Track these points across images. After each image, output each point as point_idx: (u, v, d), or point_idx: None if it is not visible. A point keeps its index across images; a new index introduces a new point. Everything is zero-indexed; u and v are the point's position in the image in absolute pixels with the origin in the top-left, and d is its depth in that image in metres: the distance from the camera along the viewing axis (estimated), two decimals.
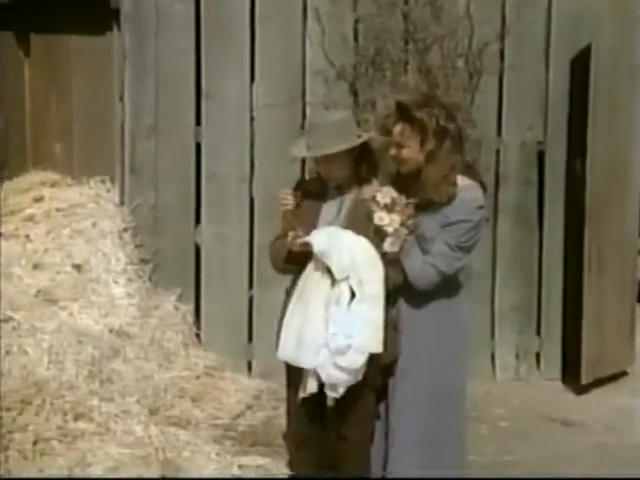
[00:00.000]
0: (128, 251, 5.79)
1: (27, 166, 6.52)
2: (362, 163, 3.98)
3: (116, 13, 6.17)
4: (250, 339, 6.21)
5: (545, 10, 6.37)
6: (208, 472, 4.57)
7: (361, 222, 3.90)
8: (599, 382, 6.42)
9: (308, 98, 6.06)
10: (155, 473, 4.32)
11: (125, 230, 5.87)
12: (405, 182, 3.95)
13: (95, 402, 4.37)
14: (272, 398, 5.67)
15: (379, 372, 4.02)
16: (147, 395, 4.83)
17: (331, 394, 3.89)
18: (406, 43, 5.65)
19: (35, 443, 4.07)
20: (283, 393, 5.71)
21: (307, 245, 3.84)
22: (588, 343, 6.30)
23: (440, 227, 3.90)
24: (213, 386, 5.49)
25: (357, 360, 3.84)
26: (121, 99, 6.15)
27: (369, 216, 3.86)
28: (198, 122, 6.12)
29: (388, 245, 3.85)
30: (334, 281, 3.85)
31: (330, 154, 3.88)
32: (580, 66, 6.30)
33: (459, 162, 3.94)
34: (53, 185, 6.15)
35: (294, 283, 4.02)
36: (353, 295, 3.85)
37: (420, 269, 3.91)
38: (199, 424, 5.06)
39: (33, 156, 6.57)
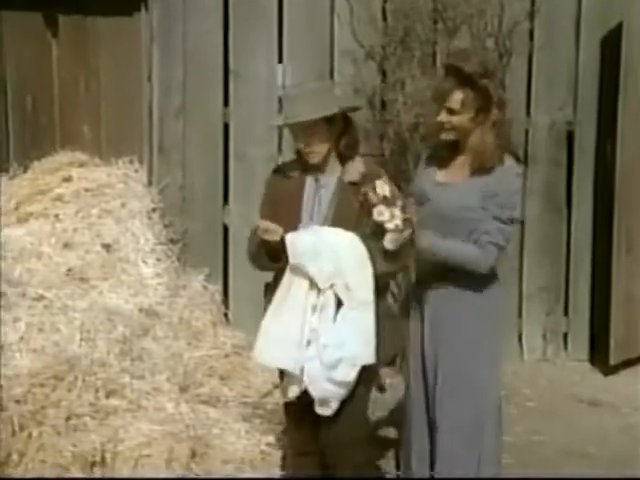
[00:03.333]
0: (157, 231, 5.86)
1: (55, 147, 6.59)
2: (343, 138, 3.70)
3: None
4: None
5: None
6: (237, 449, 4.65)
7: (347, 208, 3.64)
8: (627, 363, 6.45)
9: (336, 78, 6.11)
10: (185, 449, 4.40)
11: (154, 210, 5.95)
12: (442, 152, 3.79)
13: (126, 379, 4.46)
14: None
15: (376, 374, 3.83)
16: (177, 373, 4.91)
17: (323, 411, 3.66)
18: (435, 23, 5.67)
19: (68, 419, 4.16)
20: None
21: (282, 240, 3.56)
22: (617, 324, 6.34)
23: (481, 198, 3.68)
24: (241, 365, 5.56)
25: (349, 373, 3.61)
26: (149, 80, 6.23)
27: (362, 204, 3.59)
28: (226, 102, 6.17)
29: (388, 242, 3.58)
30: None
31: (308, 125, 3.61)
32: (611, 46, 6.30)
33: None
34: (81, 165, 6.22)
35: (276, 279, 3.72)
36: (340, 302, 3.61)
37: (479, 252, 3.67)
38: (228, 402, 5.14)
39: (61, 137, 6.63)
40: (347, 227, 3.63)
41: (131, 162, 6.36)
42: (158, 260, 5.71)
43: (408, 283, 4.08)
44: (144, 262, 5.66)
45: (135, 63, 6.38)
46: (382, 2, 6.02)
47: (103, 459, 3.99)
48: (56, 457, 3.96)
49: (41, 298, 4.75)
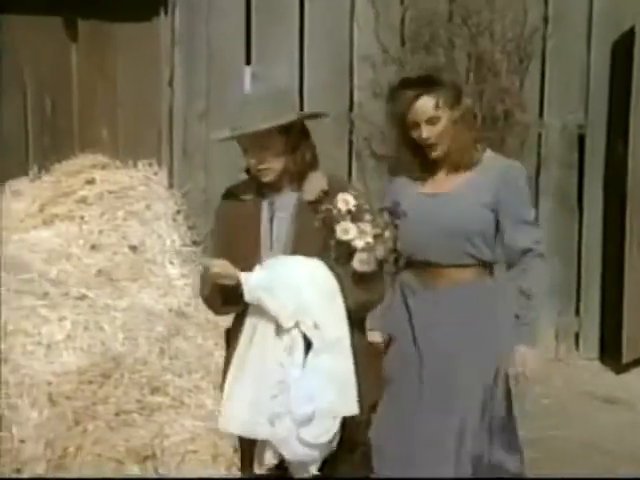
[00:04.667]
0: (181, 233, 6.02)
1: (74, 150, 6.74)
2: (300, 152, 3.23)
3: None
4: None
5: None
6: None
7: (309, 232, 3.16)
8: (639, 361, 6.67)
9: (356, 82, 6.30)
10: (228, 445, 4.56)
11: (178, 212, 6.11)
12: (432, 168, 3.50)
13: (168, 377, 4.62)
14: None
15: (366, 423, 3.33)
16: (210, 371, 5.07)
17: (300, 475, 3.16)
18: (458, 28, 5.87)
19: (117, 415, 4.33)
20: None
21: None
22: (629, 323, 6.56)
23: (483, 200, 3.43)
24: None
25: (329, 428, 3.09)
26: (170, 84, 6.39)
27: (324, 223, 3.14)
28: None
29: (359, 263, 3.12)
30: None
31: (261, 136, 3.15)
32: (622, 49, 6.53)
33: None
34: (103, 168, 6.37)
35: (236, 324, 3.26)
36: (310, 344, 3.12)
37: (544, 274, 3.57)
38: None
39: (80, 140, 6.78)
40: (310, 253, 3.16)
41: (150, 165, 6.52)
42: (184, 262, 5.86)
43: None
44: (171, 263, 5.81)
45: (153, 67, 6.55)
46: (403, 8, 6.21)
47: (154, 454, 4.15)
48: (111, 451, 4.12)
49: (84, 297, 4.91)
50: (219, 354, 5.28)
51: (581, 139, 6.79)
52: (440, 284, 3.49)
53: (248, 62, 6.32)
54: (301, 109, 6.33)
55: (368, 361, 3.24)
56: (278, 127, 3.18)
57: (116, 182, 6.29)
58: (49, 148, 6.70)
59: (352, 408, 3.13)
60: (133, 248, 5.86)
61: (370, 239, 3.12)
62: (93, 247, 5.76)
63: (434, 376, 3.46)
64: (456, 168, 3.46)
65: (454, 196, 3.47)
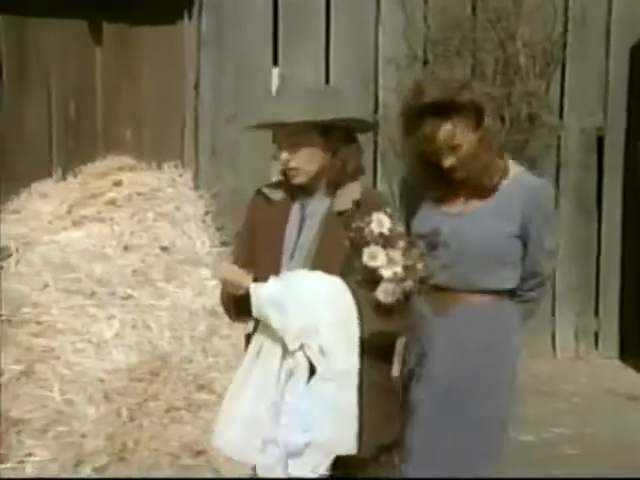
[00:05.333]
0: (211, 234, 6.14)
1: (98, 151, 6.85)
2: (338, 157, 2.95)
3: (189, 2, 6.53)
4: None
5: None
6: None
7: (334, 246, 2.89)
8: None
9: (381, 84, 6.45)
10: None
11: (206, 213, 6.23)
12: (455, 189, 3.26)
13: (213, 375, 4.74)
14: None
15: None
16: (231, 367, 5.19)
17: None
18: (486, 32, 6.03)
19: (167, 411, 4.45)
20: None
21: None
22: None
23: (510, 220, 3.19)
24: None
25: (319, 464, 2.83)
26: (196, 87, 6.51)
27: (352, 243, 2.85)
28: None
29: (382, 294, 2.84)
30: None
31: (296, 131, 2.90)
32: None
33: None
34: (130, 170, 6.48)
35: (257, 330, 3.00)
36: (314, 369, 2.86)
37: (538, 298, 3.36)
38: None
39: (103, 142, 6.90)
40: (332, 271, 2.88)
41: (176, 166, 6.64)
42: (214, 262, 5.98)
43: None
44: (202, 264, 5.93)
45: (177, 70, 6.67)
46: (426, 11, 6.36)
47: (205, 449, 4.27)
48: (167, 446, 4.24)
49: (129, 297, 5.02)
50: None
51: (600, 141, 6.95)
52: (453, 310, 3.23)
53: (275, 65, 6.44)
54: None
55: (380, 398, 2.91)
56: (316, 125, 2.89)
57: (144, 184, 6.40)
58: (73, 150, 6.80)
59: (350, 447, 2.83)
60: (164, 249, 5.97)
61: (399, 269, 2.84)
62: (126, 248, 5.87)
63: (446, 408, 3.21)
64: (479, 189, 3.21)
65: (479, 218, 3.21)
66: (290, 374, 2.84)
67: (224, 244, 6.27)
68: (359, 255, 2.83)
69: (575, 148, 6.92)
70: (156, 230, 6.07)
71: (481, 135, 3.13)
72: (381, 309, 2.84)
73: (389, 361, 3.02)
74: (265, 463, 2.85)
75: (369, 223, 2.84)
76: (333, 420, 2.81)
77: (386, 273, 2.83)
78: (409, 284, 2.85)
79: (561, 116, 6.85)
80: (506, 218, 3.20)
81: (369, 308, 2.85)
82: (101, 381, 4.46)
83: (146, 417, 4.35)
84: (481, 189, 3.20)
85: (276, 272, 2.91)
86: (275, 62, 6.46)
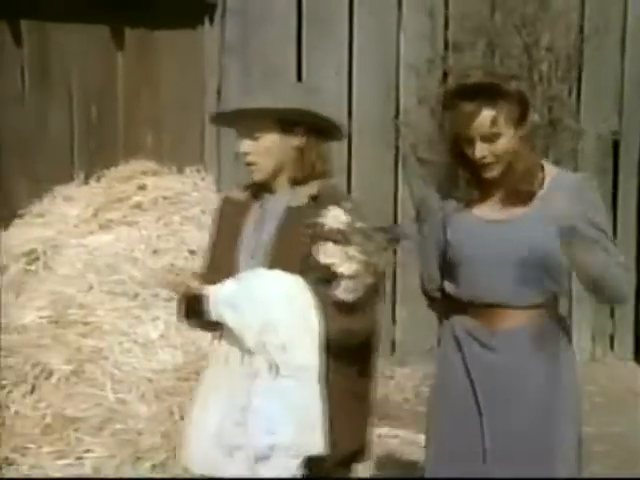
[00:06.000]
0: None
1: (118, 155, 7.00)
2: (302, 155, 2.88)
3: (210, 7, 6.70)
4: None
5: (622, 1, 6.98)
6: None
7: (292, 244, 2.83)
8: None
9: (402, 90, 6.63)
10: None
11: None
12: (489, 189, 3.05)
13: None
14: (379, 376, 6.22)
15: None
16: None
17: None
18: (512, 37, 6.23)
19: None
20: (388, 371, 6.34)
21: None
22: None
23: (560, 224, 2.94)
24: None
25: (289, 466, 2.76)
26: (219, 92, 6.68)
27: (311, 239, 2.78)
28: None
29: (341, 291, 2.77)
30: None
31: (255, 124, 2.83)
32: None
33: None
34: (154, 174, 6.62)
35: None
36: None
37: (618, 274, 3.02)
38: None
39: (124, 146, 7.05)
40: (291, 269, 2.82)
41: (198, 171, 6.79)
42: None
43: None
44: None
45: (197, 75, 6.83)
46: (447, 16, 6.57)
47: None
48: None
49: (171, 299, 5.16)
50: None
51: (615, 145, 7.16)
52: (501, 327, 3.02)
53: (299, 70, 6.61)
54: (349, 116, 6.71)
55: (343, 403, 2.82)
56: (277, 117, 2.80)
57: (168, 188, 6.55)
58: (94, 153, 6.95)
59: (317, 447, 2.74)
60: (192, 253, 6.12)
61: (357, 266, 2.76)
62: (155, 252, 6.01)
63: (498, 429, 3.01)
64: (519, 194, 2.99)
65: (524, 224, 3.00)
66: (254, 376, 2.78)
67: None
68: (315, 252, 2.77)
69: (591, 152, 7.12)
70: (183, 234, 6.21)
71: (524, 132, 2.97)
72: (342, 307, 2.76)
73: (359, 364, 2.89)
74: (233, 471, 2.77)
75: (325, 218, 2.77)
76: (295, 420, 2.74)
77: (344, 270, 2.76)
78: (369, 280, 2.77)
79: (577, 120, 7.05)
80: (552, 223, 2.94)
81: (330, 306, 2.77)
82: (150, 381, 4.61)
83: None
84: (517, 194, 2.99)
85: (235, 273, 2.87)
86: (299, 66, 6.62)
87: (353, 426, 2.88)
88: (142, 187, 6.57)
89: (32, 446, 4.40)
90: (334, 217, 2.78)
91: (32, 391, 4.59)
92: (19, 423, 4.45)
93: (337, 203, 2.82)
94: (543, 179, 3.03)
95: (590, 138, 7.09)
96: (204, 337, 4.96)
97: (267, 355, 2.78)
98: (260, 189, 2.95)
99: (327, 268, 2.77)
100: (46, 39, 6.80)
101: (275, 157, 2.87)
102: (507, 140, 2.94)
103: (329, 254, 2.76)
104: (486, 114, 2.90)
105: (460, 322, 3.08)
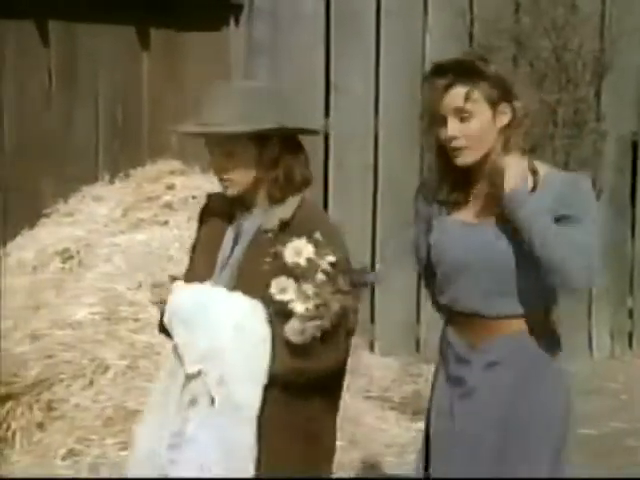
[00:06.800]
0: None
1: (143, 156, 7.18)
2: (277, 168, 2.77)
3: (236, 8, 6.90)
4: (372, 319, 6.99)
5: None
6: (389, 435, 5.35)
7: (258, 270, 2.67)
8: None
9: None
10: (347, 435, 5.07)
11: None
12: (444, 180, 2.92)
13: None
14: (406, 373, 6.46)
15: None
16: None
17: None
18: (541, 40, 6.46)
19: None
20: (415, 369, 6.55)
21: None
22: None
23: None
24: (356, 362, 6.23)
25: None
26: None
27: (272, 269, 2.64)
28: (327, 113, 6.89)
29: (290, 331, 2.59)
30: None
31: (228, 141, 2.75)
32: None
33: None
34: (181, 174, 6.81)
35: None
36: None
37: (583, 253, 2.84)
38: (356, 395, 5.81)
39: (149, 146, 7.23)
40: (253, 294, 2.67)
41: None
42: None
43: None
44: None
45: (222, 76, 7.02)
46: (472, 18, 6.80)
47: None
48: None
49: None
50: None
51: (634, 145, 7.42)
52: (479, 339, 2.87)
53: (327, 71, 6.82)
54: (376, 116, 6.93)
55: (288, 443, 2.69)
56: (250, 134, 2.73)
57: (197, 187, 6.73)
58: (119, 153, 7.13)
59: None
60: None
61: (311, 306, 2.57)
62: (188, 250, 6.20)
63: (474, 459, 2.86)
64: (498, 195, 2.80)
65: (494, 227, 2.84)
66: (192, 402, 2.65)
67: None
68: (270, 284, 2.61)
69: (610, 152, 7.36)
70: None
71: (505, 123, 2.80)
72: (293, 346, 2.60)
73: (311, 401, 2.73)
74: None
75: (285, 250, 2.62)
76: (226, 459, 2.61)
77: (297, 308, 2.58)
78: (324, 323, 2.57)
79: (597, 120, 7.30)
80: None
81: (281, 343, 2.62)
82: None
83: None
84: (497, 195, 2.81)
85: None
86: (327, 68, 6.83)
87: (295, 469, 2.71)
88: (171, 187, 6.76)
89: (95, 437, 4.61)
90: (294, 250, 2.62)
91: (90, 385, 4.78)
92: (80, 416, 4.66)
93: (309, 231, 2.66)
94: (534, 181, 2.82)
95: (610, 139, 7.33)
96: None
97: (204, 385, 2.64)
98: (239, 202, 2.83)
99: (279, 304, 2.60)
100: (73, 40, 6.98)
101: (252, 173, 2.76)
102: (481, 123, 2.78)
103: (283, 290, 2.60)
104: (459, 89, 2.77)
105: (447, 332, 2.96)
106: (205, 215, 2.98)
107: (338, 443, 4.46)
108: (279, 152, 2.77)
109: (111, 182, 6.92)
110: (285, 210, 2.75)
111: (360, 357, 6.29)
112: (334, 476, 2.89)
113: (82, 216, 6.64)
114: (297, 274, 2.59)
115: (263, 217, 2.77)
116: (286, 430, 2.68)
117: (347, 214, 6.90)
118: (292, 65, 6.76)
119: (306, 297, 2.57)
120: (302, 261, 2.59)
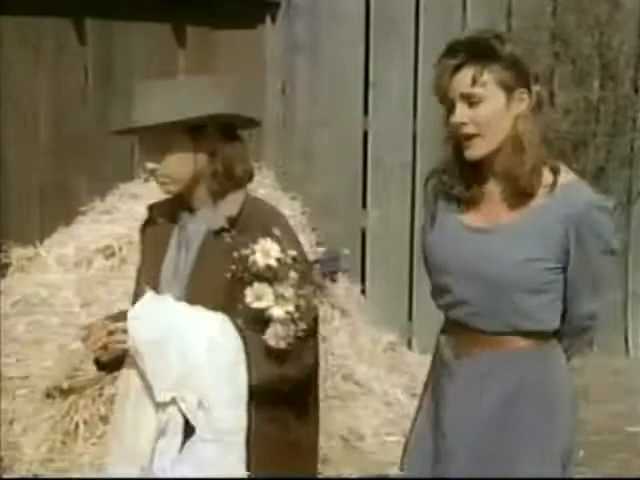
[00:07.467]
0: (307, 234, 6.61)
1: None
2: (215, 161, 2.65)
3: (273, 7, 7.02)
4: (410, 318, 7.11)
5: None
6: None
7: (213, 275, 2.54)
8: None
9: None
10: (401, 433, 5.18)
11: (303, 214, 6.71)
12: (455, 177, 2.72)
13: (355, 366, 5.23)
14: None
15: None
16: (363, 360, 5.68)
17: None
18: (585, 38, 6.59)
19: (324, 400, 4.92)
20: None
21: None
22: None
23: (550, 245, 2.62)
24: (398, 360, 6.36)
25: None
26: (283, 90, 7.00)
27: (234, 276, 2.50)
28: (365, 111, 7.00)
29: (272, 337, 2.48)
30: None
31: (160, 135, 2.61)
32: None
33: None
34: None
35: None
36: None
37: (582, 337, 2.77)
38: (404, 392, 5.93)
39: None
40: (211, 306, 2.54)
41: (259, 168, 7.10)
42: None
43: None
44: None
45: (257, 74, 7.15)
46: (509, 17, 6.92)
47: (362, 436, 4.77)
48: (339, 430, 4.71)
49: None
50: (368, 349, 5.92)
51: None
52: (474, 353, 2.69)
53: (366, 70, 6.94)
54: (414, 115, 7.05)
55: (271, 454, 2.60)
56: (182, 124, 2.59)
57: None
58: None
59: None
60: None
61: (291, 308, 2.46)
62: None
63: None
64: (511, 196, 2.63)
65: (507, 237, 2.64)
66: (162, 432, 2.48)
67: (319, 244, 6.76)
68: (243, 294, 2.47)
69: None
70: None
71: (523, 110, 2.58)
72: (272, 353, 2.50)
73: (288, 409, 2.65)
74: None
75: (253, 253, 2.47)
76: None
77: (276, 313, 2.46)
78: (303, 326, 2.48)
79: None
80: (542, 241, 2.62)
81: (259, 352, 2.51)
82: None
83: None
84: (510, 196, 2.63)
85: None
86: (366, 66, 6.95)
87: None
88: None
89: None
90: (263, 252, 2.47)
91: None
92: None
93: (266, 228, 2.54)
94: (553, 184, 2.62)
95: None
96: None
97: (181, 409, 2.47)
98: (181, 204, 2.70)
99: (256, 312, 2.47)
100: (110, 37, 7.08)
101: (189, 168, 2.64)
102: (493, 108, 2.57)
103: (259, 297, 2.46)
104: (468, 70, 2.58)
105: (440, 333, 2.83)
106: (148, 227, 2.82)
107: (394, 438, 4.65)
108: (216, 142, 2.64)
109: (146, 180, 7.00)
110: (230, 207, 2.63)
111: (401, 355, 6.41)
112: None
113: (121, 214, 6.72)
114: (270, 277, 2.46)
115: (208, 218, 2.64)
116: (267, 442, 2.57)
117: (385, 212, 7.04)
118: (331, 63, 6.88)
119: (285, 300, 2.45)
120: (272, 262, 2.46)
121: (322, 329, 5.50)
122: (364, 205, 7.05)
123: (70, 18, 6.92)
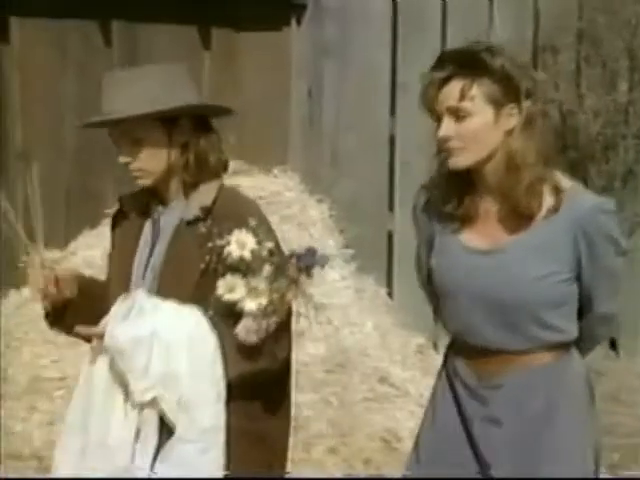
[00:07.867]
0: (335, 236, 6.67)
1: None
2: (188, 151, 2.68)
3: (298, 8, 7.08)
4: (436, 320, 7.14)
5: None
6: None
7: (186, 268, 2.55)
8: None
9: None
10: None
11: (330, 216, 6.77)
12: (450, 195, 2.65)
13: (390, 368, 5.29)
14: None
15: None
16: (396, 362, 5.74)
17: None
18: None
19: (362, 401, 4.99)
20: None
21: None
22: None
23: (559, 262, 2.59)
24: (426, 363, 6.41)
25: None
26: (310, 92, 7.06)
27: (208, 267, 2.50)
28: (392, 113, 7.06)
29: (243, 331, 2.46)
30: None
31: (132, 127, 2.62)
32: None
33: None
34: (246, 174, 6.98)
35: None
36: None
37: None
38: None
39: None
40: (183, 298, 2.54)
41: (284, 171, 7.17)
42: (342, 265, 6.51)
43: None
44: (330, 267, 6.46)
45: (283, 76, 7.20)
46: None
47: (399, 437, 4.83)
48: (380, 431, 4.78)
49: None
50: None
51: None
52: (501, 375, 2.67)
53: (393, 72, 6.99)
54: None
55: (246, 448, 2.61)
56: (156, 116, 2.61)
57: (262, 188, 6.91)
58: None
59: None
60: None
61: (264, 301, 2.44)
62: None
63: None
64: (510, 208, 2.59)
65: (513, 256, 2.60)
66: (138, 433, 2.47)
67: (347, 247, 6.82)
68: (216, 285, 2.46)
69: None
70: (282, 233, 6.56)
71: (513, 125, 2.53)
72: (245, 347, 2.49)
73: (260, 401, 2.65)
74: None
75: (229, 244, 2.46)
76: None
77: (248, 306, 2.45)
78: (274, 320, 2.47)
79: None
80: (552, 254, 2.59)
81: (231, 347, 2.50)
82: (297, 372, 4.96)
83: (350, 406, 4.89)
84: (508, 215, 2.59)
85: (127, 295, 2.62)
86: (393, 67, 7.01)
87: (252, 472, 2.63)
88: (237, 187, 6.92)
89: None
90: (238, 243, 2.46)
91: None
92: None
93: (240, 219, 2.53)
94: (556, 200, 2.58)
95: None
96: (339, 331, 5.35)
97: (157, 410, 2.47)
98: (154, 195, 2.72)
99: (228, 304, 2.46)
100: (135, 39, 7.14)
101: (163, 160, 2.66)
102: (479, 123, 2.53)
103: (231, 289, 2.45)
104: (457, 83, 2.54)
105: (452, 357, 2.81)
106: (118, 219, 2.82)
107: None
108: (190, 133, 2.67)
109: None
110: (204, 197, 2.63)
111: (430, 358, 6.46)
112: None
113: None
114: (243, 269, 2.44)
115: (182, 209, 2.64)
116: (242, 437, 2.57)
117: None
118: (358, 65, 6.93)
119: (257, 292, 2.44)
120: (246, 254, 2.45)
121: (350, 330, 5.61)
122: (391, 208, 7.10)
123: (96, 20, 6.99)
